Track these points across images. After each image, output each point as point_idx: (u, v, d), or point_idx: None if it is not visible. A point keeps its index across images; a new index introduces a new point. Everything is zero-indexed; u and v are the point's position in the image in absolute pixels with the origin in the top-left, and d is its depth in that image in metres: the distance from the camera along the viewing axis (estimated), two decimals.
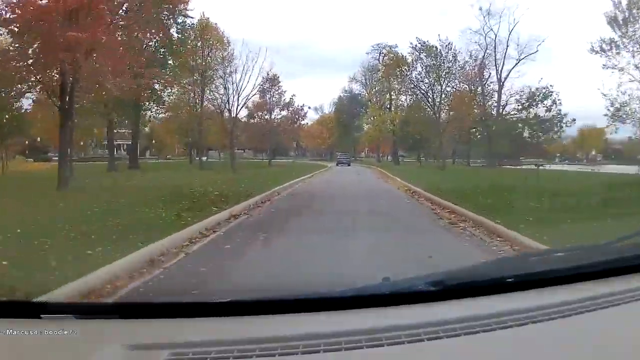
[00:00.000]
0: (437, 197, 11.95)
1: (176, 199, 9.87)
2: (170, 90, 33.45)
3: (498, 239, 6.68)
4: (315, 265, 4.92)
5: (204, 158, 49.67)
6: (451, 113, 38.47)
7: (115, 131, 38.03)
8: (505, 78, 42.20)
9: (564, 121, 21.50)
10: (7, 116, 23.08)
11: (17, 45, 14.11)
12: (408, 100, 47.69)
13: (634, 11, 25.36)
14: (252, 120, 42.65)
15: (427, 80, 39.77)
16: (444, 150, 39.19)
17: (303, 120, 46.50)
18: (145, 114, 34.41)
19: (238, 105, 30.22)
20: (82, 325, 1.24)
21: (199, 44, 31.90)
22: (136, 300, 1.77)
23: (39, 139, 38.61)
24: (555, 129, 21.68)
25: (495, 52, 42.35)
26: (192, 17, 32.27)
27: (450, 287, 1.43)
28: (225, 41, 31.92)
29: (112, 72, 15.85)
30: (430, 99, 39.22)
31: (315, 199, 13.20)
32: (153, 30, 15.66)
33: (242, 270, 4.96)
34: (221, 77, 30.08)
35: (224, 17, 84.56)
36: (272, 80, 38.39)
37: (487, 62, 42.60)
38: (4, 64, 13.71)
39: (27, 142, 43.69)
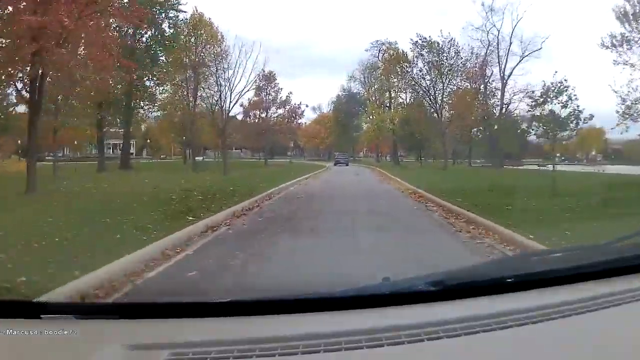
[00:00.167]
0: (446, 201, 10.46)
1: (151, 206, 8.87)
2: (162, 87, 31.96)
3: None
4: None
5: (201, 158, 48.33)
6: (452, 112, 36.71)
7: (112, 130, 36.71)
8: (509, 76, 40.80)
9: (580, 117, 20.50)
10: None
11: None
12: (408, 99, 46.09)
13: None
14: (248, 119, 40.86)
15: (428, 77, 38.15)
16: (446, 150, 37.52)
17: (300, 118, 44.88)
18: (138, 112, 32.61)
19: (231, 102, 28.53)
20: (82, 325, 1.25)
21: (192, 39, 30.22)
22: (136, 300, 1.71)
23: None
24: (572, 126, 20.74)
25: (498, 49, 40.97)
26: (184, 12, 30.72)
27: (450, 287, 1.42)
28: (219, 37, 30.28)
29: (92, 64, 14.27)
30: (431, 97, 37.59)
31: (310, 204, 11.77)
32: (129, 14, 13.83)
33: None
34: (213, 73, 28.41)
35: (223, 17, 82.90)
36: (268, 78, 36.71)
37: (489, 60, 40.95)
38: None
39: (19, 141, 42.30)
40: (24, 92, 13.53)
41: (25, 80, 13.30)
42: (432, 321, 1.23)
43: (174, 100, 32.80)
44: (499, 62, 41.76)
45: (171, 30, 30.78)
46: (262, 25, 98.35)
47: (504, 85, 41.27)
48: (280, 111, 40.72)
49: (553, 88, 19.48)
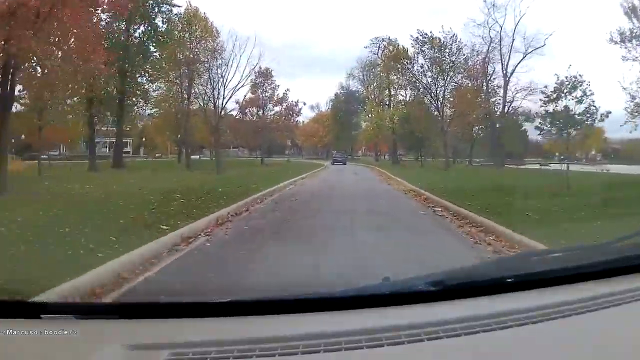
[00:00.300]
0: (453, 204, 9.30)
1: (126, 211, 7.93)
2: (155, 85, 30.85)
3: None
4: None
5: (197, 156, 47.31)
6: (454, 110, 35.44)
7: (108, 129, 35.60)
8: (511, 73, 39.42)
9: (596, 114, 19.59)
10: None
11: None
12: (408, 96, 44.79)
13: None
14: (244, 117, 39.57)
15: (429, 74, 36.92)
16: (447, 148, 36.27)
17: (297, 116, 43.58)
18: (132, 110, 31.52)
19: (224, 98, 27.36)
20: (82, 325, 1.25)
21: (186, 35, 29.06)
22: (136, 300, 1.70)
23: (22, 136, 35.81)
24: (588, 123, 19.71)
25: (500, 45, 39.73)
26: (179, 6, 29.54)
27: (450, 287, 1.43)
28: (214, 32, 29.15)
29: (72, 54, 13.19)
30: (433, 94, 36.34)
31: (305, 209, 10.43)
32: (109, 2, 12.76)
33: None
34: (207, 69, 27.26)
35: (221, 17, 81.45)
36: (265, 75, 35.45)
37: (491, 57, 39.71)
38: None
39: (13, 140, 41.16)
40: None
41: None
42: (432, 321, 1.23)
43: (168, 98, 31.62)
44: (501, 59, 40.73)
45: (164, 26, 29.45)
46: (262, 25, 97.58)
47: (506, 82, 40.07)
48: (277, 109, 39.48)
49: (567, 82, 18.61)
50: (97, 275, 4.12)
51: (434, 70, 37.58)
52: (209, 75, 27.50)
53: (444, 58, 37.51)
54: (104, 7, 14.47)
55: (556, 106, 15.54)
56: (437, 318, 1.24)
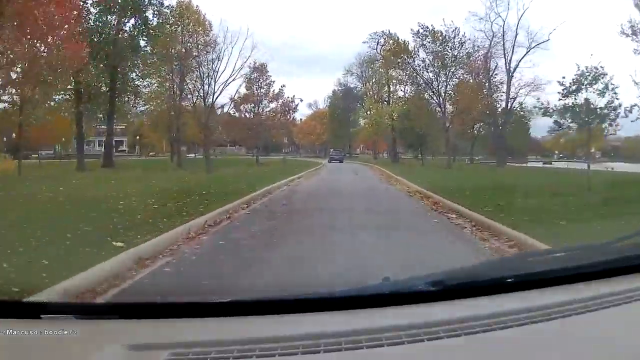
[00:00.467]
0: (467, 208, 7.97)
1: (82, 220, 6.57)
2: (147, 81, 29.51)
3: None
4: None
5: (193, 155, 46.12)
6: (456, 106, 34.01)
7: (102, 127, 34.29)
8: (515, 68, 37.92)
9: (620, 108, 18.20)
10: None
11: None
12: (409, 92, 43.35)
13: None
14: (238, 114, 38.16)
15: (431, 69, 35.43)
16: (449, 146, 34.85)
17: (294, 113, 42.12)
18: (123, 107, 30.27)
19: (214, 93, 25.96)
20: (82, 325, 1.25)
21: (178, 29, 27.69)
22: (136, 300, 1.64)
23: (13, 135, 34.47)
24: (612, 118, 18.27)
25: (503, 40, 38.26)
26: None
27: (450, 287, 1.43)
28: (207, 25, 27.76)
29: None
30: (434, 90, 34.90)
31: (297, 216, 9.17)
32: None
33: None
34: (199, 63, 25.88)
35: (218, 17, 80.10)
36: (260, 70, 33.93)
37: (494, 52, 38.27)
38: None
39: (5, 139, 40.27)
40: None
41: None
42: (432, 321, 1.23)
43: (159, 94, 30.18)
44: (504, 54, 39.11)
45: (155, 19, 28.14)
46: (261, 25, 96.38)
47: (509, 78, 38.52)
48: (273, 105, 37.93)
49: (587, 74, 17.25)
50: None
51: (436, 64, 36.46)
52: (199, 69, 26.17)
53: (446, 52, 36.47)
54: None
55: (575, 99, 14.24)
56: (437, 318, 1.25)
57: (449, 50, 36.23)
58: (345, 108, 60.52)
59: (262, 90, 36.03)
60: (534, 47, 38.05)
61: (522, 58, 38.69)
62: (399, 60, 39.78)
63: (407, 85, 43.81)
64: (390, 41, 45.32)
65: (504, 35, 38.88)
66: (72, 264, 4.21)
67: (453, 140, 40.42)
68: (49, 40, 14.84)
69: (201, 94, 27.59)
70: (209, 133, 28.07)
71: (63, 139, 43.94)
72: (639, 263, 1.57)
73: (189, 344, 1.12)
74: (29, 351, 1.14)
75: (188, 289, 2.98)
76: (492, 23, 38.88)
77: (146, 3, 28.91)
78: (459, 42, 36.41)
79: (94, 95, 27.00)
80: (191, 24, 29.34)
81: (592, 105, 14.10)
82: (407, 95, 45.13)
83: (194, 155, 47.32)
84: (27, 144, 46.25)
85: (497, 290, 1.44)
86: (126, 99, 30.77)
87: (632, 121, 26.25)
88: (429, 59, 36.88)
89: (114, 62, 26.62)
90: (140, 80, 30.12)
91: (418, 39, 37.38)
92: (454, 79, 36.78)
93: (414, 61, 38.35)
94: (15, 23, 12.08)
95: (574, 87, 14.16)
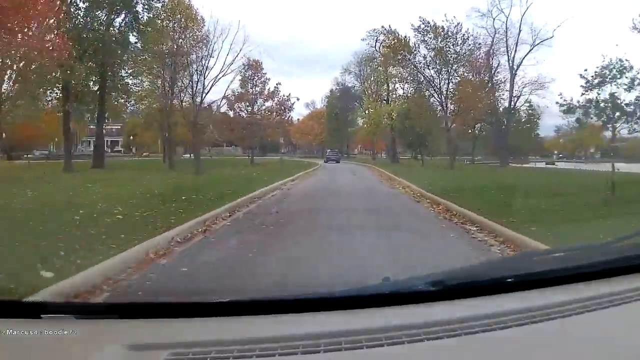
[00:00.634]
0: (488, 219, 6.79)
1: (32, 232, 5.63)
2: (137, 79, 28.35)
3: None
4: None
5: (189, 155, 45.06)
6: (459, 105, 32.83)
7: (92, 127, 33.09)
8: (518, 66, 36.82)
9: None
10: None
11: None
12: (409, 90, 42.04)
13: None
14: (232, 113, 36.94)
15: (432, 65, 34.29)
16: (450, 146, 33.70)
17: (290, 111, 40.88)
18: (114, 106, 29.14)
19: (204, 89, 24.85)
20: (82, 325, 1.24)
21: (170, 24, 26.59)
22: (136, 300, 1.63)
23: (3, 135, 33.28)
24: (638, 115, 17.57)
25: (506, 36, 37.11)
26: None
27: (450, 287, 1.43)
28: (200, 20, 26.69)
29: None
30: (436, 88, 33.74)
31: (288, 227, 7.67)
32: None
33: None
34: (190, 60, 24.72)
35: (215, 17, 79.01)
36: (255, 67, 32.82)
37: (496, 49, 37.24)
38: None
39: None
40: None
41: None
42: (432, 321, 1.24)
43: (150, 92, 29.05)
44: (507, 51, 38.06)
45: (146, 14, 27.04)
46: (262, 25, 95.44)
47: (513, 76, 37.33)
48: (268, 104, 36.79)
49: (612, 66, 16.39)
50: None
51: (437, 61, 35.57)
52: (188, 64, 25.00)
53: (448, 48, 35.68)
54: None
55: (599, 94, 13.15)
56: (437, 318, 1.25)
57: (451, 47, 35.37)
58: (343, 107, 60.09)
59: (257, 88, 35.12)
60: (537, 44, 37.20)
61: (525, 55, 38.13)
62: (399, 57, 38.87)
63: (407, 83, 42.72)
64: (390, 37, 43.89)
65: (507, 32, 38.07)
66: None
67: (455, 140, 39.31)
68: (25, 30, 13.65)
69: (187, 90, 26.53)
70: (198, 132, 26.89)
71: (56, 138, 42.82)
72: (639, 263, 1.58)
73: (188, 344, 1.13)
74: (29, 351, 1.14)
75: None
76: (494, 19, 37.89)
77: None
78: (461, 38, 35.71)
79: (83, 93, 26.04)
80: (183, 20, 28.25)
81: (618, 101, 13.03)
82: (407, 93, 44.11)
83: (189, 155, 46.18)
84: (19, 144, 44.59)
85: (497, 290, 1.45)
86: (117, 97, 29.73)
87: None
88: (430, 56, 36.13)
89: (104, 59, 25.57)
90: (131, 78, 29.15)
91: (419, 35, 36.67)
92: (456, 77, 36.08)
93: (414, 58, 37.52)
94: None
95: (596, 81, 13.07)
